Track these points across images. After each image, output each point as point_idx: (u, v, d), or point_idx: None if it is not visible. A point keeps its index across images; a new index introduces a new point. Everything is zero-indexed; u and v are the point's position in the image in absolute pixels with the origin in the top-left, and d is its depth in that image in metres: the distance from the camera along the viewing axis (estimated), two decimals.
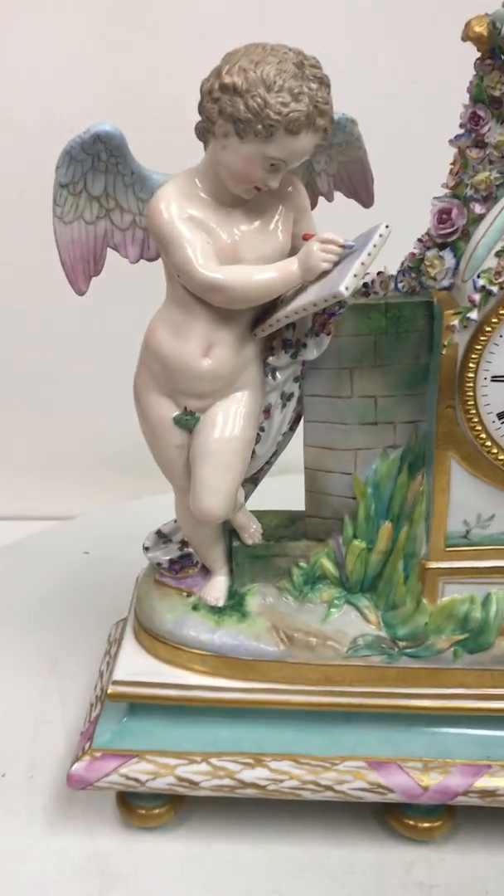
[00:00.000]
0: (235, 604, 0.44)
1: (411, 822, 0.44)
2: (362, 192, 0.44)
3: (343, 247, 0.36)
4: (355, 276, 0.34)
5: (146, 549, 0.47)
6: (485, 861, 0.43)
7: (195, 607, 0.44)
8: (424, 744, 0.43)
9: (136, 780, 0.42)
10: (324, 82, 0.34)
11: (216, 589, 0.45)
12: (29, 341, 0.77)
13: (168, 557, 0.46)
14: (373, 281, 0.40)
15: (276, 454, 0.44)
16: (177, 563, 0.46)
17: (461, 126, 0.38)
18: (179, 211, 0.36)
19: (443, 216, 0.38)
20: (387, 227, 0.36)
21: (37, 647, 0.59)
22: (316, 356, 0.40)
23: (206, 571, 0.46)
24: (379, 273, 0.40)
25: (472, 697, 0.42)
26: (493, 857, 0.44)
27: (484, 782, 0.42)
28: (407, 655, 0.42)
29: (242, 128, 0.34)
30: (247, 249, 0.37)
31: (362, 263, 0.35)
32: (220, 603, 0.44)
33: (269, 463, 0.44)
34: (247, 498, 0.45)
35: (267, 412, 0.41)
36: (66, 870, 0.43)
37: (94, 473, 0.80)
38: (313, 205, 0.43)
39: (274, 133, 0.34)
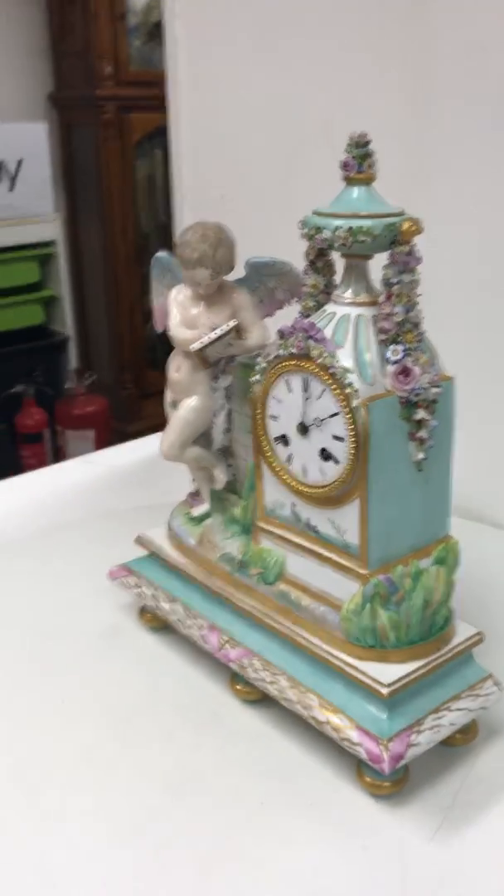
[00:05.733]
0: (201, 518, 0.77)
1: (238, 687, 0.71)
2: None
3: (211, 327, 0.67)
4: (200, 343, 0.66)
5: (192, 481, 0.82)
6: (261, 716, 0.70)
7: (185, 514, 0.79)
8: (238, 630, 0.70)
9: (127, 584, 0.80)
10: (212, 245, 0.65)
11: (198, 508, 0.78)
12: None
13: (191, 491, 0.81)
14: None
15: (234, 441, 0.75)
16: (196, 493, 0.80)
17: None
18: (175, 296, 0.71)
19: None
20: (234, 322, 0.66)
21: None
22: (225, 385, 0.71)
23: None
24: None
25: (261, 612, 0.68)
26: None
27: (244, 661, 0.68)
28: (239, 573, 0.70)
29: (182, 263, 0.68)
30: (200, 323, 0.70)
31: (208, 338, 0.66)
32: (194, 514, 0.78)
33: (230, 449, 0.75)
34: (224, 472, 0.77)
35: (215, 414, 0.73)
36: (100, 630, 0.83)
37: None
38: (279, 307, 0.72)
39: (185, 266, 0.67)
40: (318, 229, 0.58)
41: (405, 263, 0.57)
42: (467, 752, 0.65)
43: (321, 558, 0.63)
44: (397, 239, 0.57)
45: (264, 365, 0.63)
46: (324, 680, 0.63)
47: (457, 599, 0.67)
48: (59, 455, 2.70)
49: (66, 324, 2.82)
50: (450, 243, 0.94)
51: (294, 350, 0.60)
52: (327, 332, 0.59)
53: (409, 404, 0.58)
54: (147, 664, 0.77)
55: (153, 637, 0.81)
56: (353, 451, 0.58)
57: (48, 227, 2.74)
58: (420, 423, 0.59)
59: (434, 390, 0.58)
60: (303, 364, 0.59)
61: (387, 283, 0.58)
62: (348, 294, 0.61)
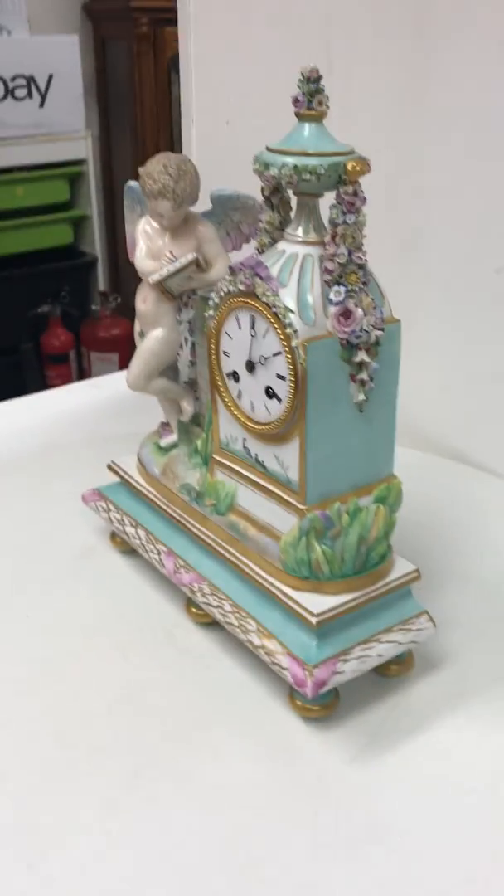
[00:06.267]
0: (168, 448, 0.79)
1: (193, 610, 0.75)
2: None
3: (171, 259, 0.67)
4: (159, 276, 0.67)
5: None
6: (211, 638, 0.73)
7: (154, 443, 0.81)
8: (193, 556, 0.73)
9: (98, 507, 0.83)
10: (173, 177, 0.66)
11: (166, 439, 0.80)
12: None
13: (163, 421, 0.83)
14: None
15: (199, 375, 0.76)
16: (167, 424, 0.82)
17: None
18: (143, 227, 0.72)
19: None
20: (193, 255, 0.66)
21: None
22: (188, 318, 0.72)
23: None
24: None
25: (213, 541, 0.71)
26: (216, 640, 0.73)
27: (195, 585, 0.71)
28: (196, 503, 0.73)
29: (145, 194, 0.68)
30: (164, 254, 0.71)
31: (167, 270, 0.67)
32: (162, 445, 0.80)
33: (197, 382, 0.77)
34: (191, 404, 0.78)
35: (181, 346, 0.74)
36: (74, 550, 0.87)
37: None
38: (246, 241, 0.72)
39: (149, 197, 0.67)
40: (267, 165, 0.58)
41: (350, 204, 0.57)
42: (401, 683, 0.68)
43: (267, 492, 0.65)
44: (343, 178, 0.57)
45: (217, 300, 0.64)
46: (264, 607, 0.66)
47: (408, 536, 0.69)
48: (83, 377, 2.74)
49: (95, 245, 2.82)
50: (446, 180, 0.93)
51: (242, 287, 0.60)
52: (273, 271, 0.59)
53: (349, 346, 0.59)
54: (113, 585, 0.80)
55: (123, 559, 0.84)
56: (292, 391, 0.59)
57: (79, 145, 2.71)
58: (361, 366, 0.60)
59: (376, 333, 0.59)
60: (250, 301, 0.60)
61: (332, 223, 0.58)
62: (299, 232, 0.61)
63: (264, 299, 0.59)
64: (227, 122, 1.21)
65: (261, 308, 0.59)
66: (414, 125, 0.93)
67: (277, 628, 0.64)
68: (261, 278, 0.59)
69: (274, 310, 0.58)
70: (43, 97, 2.58)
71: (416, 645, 0.66)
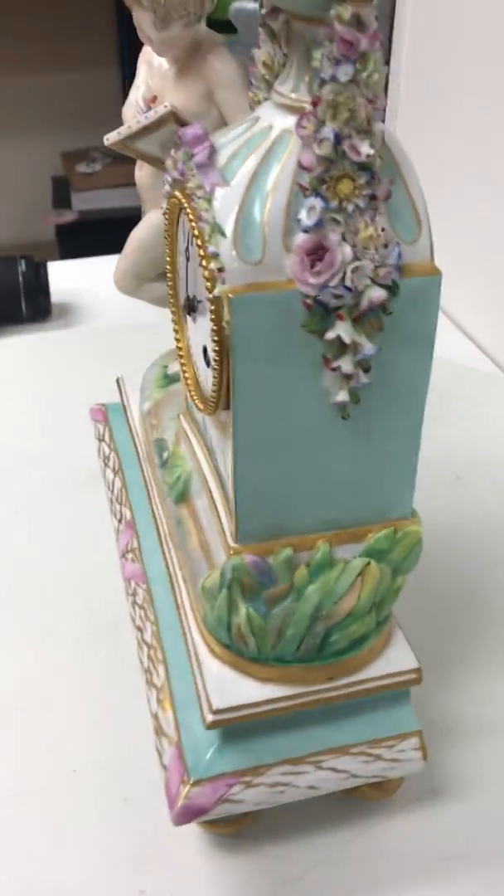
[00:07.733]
0: (174, 378, 0.58)
1: None
2: None
3: (143, 109, 0.44)
4: (116, 133, 0.43)
5: None
6: None
7: (163, 367, 0.59)
8: (149, 541, 0.52)
9: (97, 431, 0.64)
10: None
11: (176, 364, 0.58)
12: None
13: None
14: None
15: None
16: None
17: None
18: (147, 56, 0.48)
19: None
20: (166, 107, 0.42)
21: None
22: None
23: None
24: None
25: (164, 533, 0.50)
26: None
27: (133, 583, 0.51)
28: (162, 471, 0.51)
29: None
30: (164, 95, 0.47)
31: (127, 128, 0.43)
32: (169, 372, 0.58)
33: None
34: None
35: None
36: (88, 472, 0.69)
37: None
38: None
39: (127, 3, 0.43)
40: None
41: (347, 43, 0.29)
42: (373, 810, 0.45)
43: (211, 498, 0.43)
44: None
45: (168, 188, 0.40)
46: (184, 658, 0.45)
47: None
48: None
49: None
50: None
51: (177, 175, 0.36)
52: (224, 153, 0.34)
53: (320, 309, 0.33)
54: (97, 529, 0.63)
55: None
56: (217, 365, 0.35)
57: None
58: (342, 346, 0.34)
59: (374, 293, 0.32)
60: (183, 202, 0.36)
61: (318, 81, 0.31)
62: (285, 87, 0.34)
63: (194, 203, 0.34)
64: None
65: (191, 217, 0.35)
66: None
67: (185, 699, 0.44)
68: (195, 165, 0.34)
69: (200, 225, 0.34)
70: None
71: (382, 780, 0.43)
